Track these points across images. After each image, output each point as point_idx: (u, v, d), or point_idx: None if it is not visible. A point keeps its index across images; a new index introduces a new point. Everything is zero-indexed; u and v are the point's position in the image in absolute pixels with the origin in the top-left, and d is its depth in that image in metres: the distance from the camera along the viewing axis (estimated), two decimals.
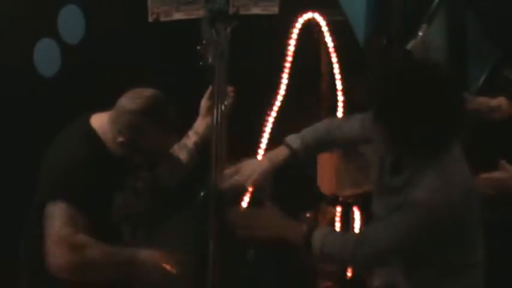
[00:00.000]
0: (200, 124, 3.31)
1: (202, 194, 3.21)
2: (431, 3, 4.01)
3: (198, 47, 3.23)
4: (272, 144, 4.18)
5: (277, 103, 4.21)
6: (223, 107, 3.20)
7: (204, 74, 3.25)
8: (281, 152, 3.17)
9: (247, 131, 4.18)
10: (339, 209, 4.26)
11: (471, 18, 4.21)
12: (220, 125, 3.18)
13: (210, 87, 3.28)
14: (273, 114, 4.22)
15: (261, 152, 4.18)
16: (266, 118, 4.20)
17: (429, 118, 2.57)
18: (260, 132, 4.20)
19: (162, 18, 3.85)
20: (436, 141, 2.62)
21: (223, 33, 3.29)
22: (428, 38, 3.96)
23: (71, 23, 3.90)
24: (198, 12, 3.81)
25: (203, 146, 3.27)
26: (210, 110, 3.24)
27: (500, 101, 3.62)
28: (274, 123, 4.21)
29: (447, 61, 4.46)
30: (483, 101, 3.55)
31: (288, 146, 3.15)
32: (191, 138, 3.30)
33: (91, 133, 2.96)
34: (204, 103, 3.31)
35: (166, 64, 3.94)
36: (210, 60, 3.22)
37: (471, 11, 4.18)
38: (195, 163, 3.31)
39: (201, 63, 3.22)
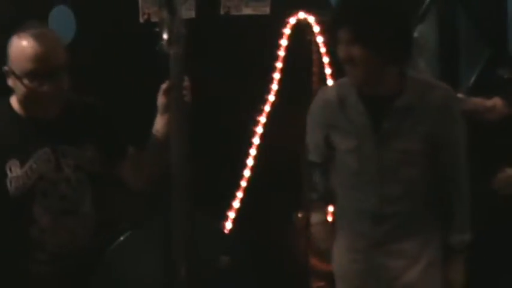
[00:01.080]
0: (159, 122, 2.96)
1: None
2: (422, 3, 4.03)
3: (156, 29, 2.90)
4: (263, 143, 4.21)
5: (269, 103, 4.21)
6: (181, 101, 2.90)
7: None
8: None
9: (238, 131, 4.17)
10: (331, 208, 4.25)
11: (462, 18, 4.22)
12: (181, 121, 2.87)
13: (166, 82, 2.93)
14: (265, 114, 4.21)
15: (252, 152, 4.18)
16: (258, 118, 4.20)
17: (391, 20, 2.78)
18: (252, 132, 4.20)
19: (153, 19, 3.84)
20: (399, 45, 2.78)
21: (178, 13, 2.89)
22: (421, 37, 3.98)
23: (62, 23, 3.88)
24: (191, 13, 3.82)
25: (166, 145, 2.93)
26: (167, 107, 2.90)
27: (495, 101, 3.63)
28: (265, 123, 4.20)
29: (438, 60, 4.48)
30: (478, 101, 3.56)
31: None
32: (152, 137, 2.99)
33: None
34: (160, 99, 2.94)
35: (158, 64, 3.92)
36: (165, 46, 2.86)
37: (462, 10, 4.19)
38: (160, 164, 2.99)
39: (157, 47, 2.87)
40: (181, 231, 2.86)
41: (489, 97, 3.54)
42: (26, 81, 2.72)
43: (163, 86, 2.90)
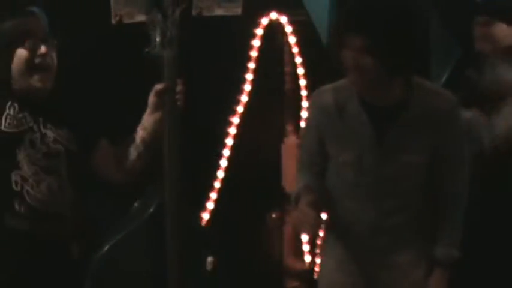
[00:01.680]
0: (147, 119, 3.08)
1: (156, 202, 3.08)
2: None
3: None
4: (236, 144, 4.20)
5: (241, 104, 4.21)
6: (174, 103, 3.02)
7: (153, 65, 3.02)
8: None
9: (211, 132, 4.17)
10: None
11: (434, 18, 4.24)
12: (173, 124, 3.01)
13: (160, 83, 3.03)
14: (237, 115, 4.21)
15: (225, 152, 4.18)
16: (230, 119, 4.19)
17: (410, 34, 2.64)
18: (225, 133, 4.20)
19: (126, 20, 3.83)
20: (414, 57, 2.69)
21: (172, 17, 2.97)
22: None
23: None
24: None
25: (152, 143, 3.07)
26: (158, 106, 3.03)
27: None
28: (238, 124, 4.20)
29: None
30: None
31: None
32: (139, 133, 3.10)
33: None
34: (152, 98, 3.05)
35: (130, 65, 3.90)
36: (157, 48, 2.97)
37: (434, 10, 4.21)
38: (143, 162, 3.10)
39: (146, 50, 2.97)
40: (175, 231, 2.96)
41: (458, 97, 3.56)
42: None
43: (157, 86, 3.00)
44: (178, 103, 3.05)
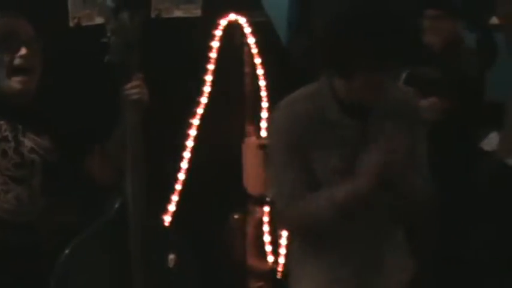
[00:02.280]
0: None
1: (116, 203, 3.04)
2: None
3: (103, 40, 2.95)
4: (197, 146, 4.20)
5: (202, 105, 4.21)
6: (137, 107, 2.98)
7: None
8: None
9: (171, 134, 4.16)
10: (267, 208, 4.27)
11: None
12: (135, 127, 2.98)
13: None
14: (198, 116, 4.21)
15: (186, 154, 4.17)
16: (191, 120, 4.19)
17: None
18: (185, 135, 4.19)
19: (84, 23, 3.81)
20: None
21: (129, 22, 2.94)
22: None
23: None
24: None
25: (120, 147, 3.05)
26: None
27: (431, 101, 3.67)
28: (198, 125, 4.20)
29: None
30: None
31: None
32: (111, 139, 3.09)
33: None
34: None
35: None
36: (116, 54, 2.94)
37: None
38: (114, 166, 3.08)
39: (106, 58, 2.94)
40: (138, 231, 2.95)
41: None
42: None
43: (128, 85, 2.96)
44: (140, 97, 3.00)
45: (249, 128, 4.37)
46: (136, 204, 2.99)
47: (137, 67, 3.00)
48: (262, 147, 4.15)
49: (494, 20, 4.49)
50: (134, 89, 2.97)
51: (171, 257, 3.07)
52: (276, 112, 2.72)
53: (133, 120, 2.98)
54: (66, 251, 2.93)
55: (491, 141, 4.18)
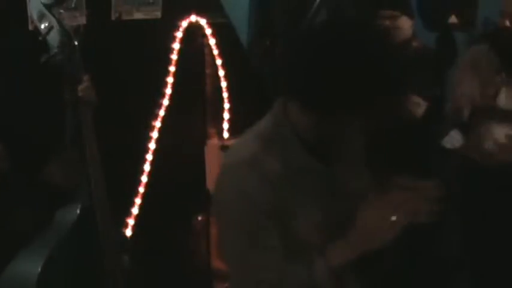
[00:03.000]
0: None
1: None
2: (313, 3, 4.07)
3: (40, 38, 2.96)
4: (159, 148, 4.19)
5: (163, 107, 4.20)
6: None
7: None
8: None
9: (133, 136, 4.14)
10: None
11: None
12: (87, 127, 2.98)
13: None
14: (159, 118, 4.20)
15: (148, 157, 4.16)
16: (152, 122, 4.17)
17: None
18: (147, 137, 4.17)
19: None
20: None
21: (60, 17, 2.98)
22: None
23: None
24: (82, 19, 3.76)
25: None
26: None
27: None
28: (160, 127, 4.19)
29: None
30: None
31: None
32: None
33: None
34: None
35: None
36: (55, 52, 2.94)
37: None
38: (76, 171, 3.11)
39: (42, 59, 2.93)
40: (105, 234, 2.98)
41: None
42: None
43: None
44: (88, 97, 3.00)
45: (211, 130, 4.38)
46: (99, 206, 3.01)
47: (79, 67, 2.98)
48: (224, 148, 4.16)
49: (453, 19, 4.53)
50: (87, 89, 2.96)
51: (126, 258, 3.09)
52: (230, 175, 2.16)
53: (88, 119, 2.98)
54: (38, 270, 2.87)
55: (452, 139, 4.21)
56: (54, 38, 2.98)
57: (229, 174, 2.17)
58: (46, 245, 2.94)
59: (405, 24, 4.20)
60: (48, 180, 3.04)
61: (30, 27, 3.81)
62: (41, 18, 3.01)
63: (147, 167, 4.15)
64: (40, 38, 2.93)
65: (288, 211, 2.14)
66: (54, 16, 2.98)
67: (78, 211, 3.03)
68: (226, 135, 4.34)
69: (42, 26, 3.05)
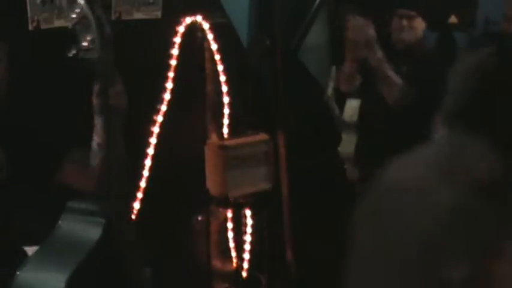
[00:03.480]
0: (97, 123, 3.00)
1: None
2: (312, 4, 4.09)
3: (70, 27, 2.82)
4: (160, 146, 4.18)
5: (163, 107, 4.19)
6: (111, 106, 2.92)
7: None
8: None
9: (134, 135, 4.14)
10: (230, 210, 4.27)
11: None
12: (114, 124, 2.93)
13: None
14: (159, 117, 4.19)
15: (150, 151, 4.15)
16: (153, 122, 4.17)
17: None
18: (147, 136, 4.17)
19: (43, 26, 3.78)
20: None
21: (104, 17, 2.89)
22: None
23: None
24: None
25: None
26: (102, 108, 2.92)
27: None
28: (160, 126, 4.18)
29: (327, 61, 4.56)
30: None
31: None
32: (94, 139, 3.03)
33: None
34: (94, 101, 2.97)
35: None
36: (89, 49, 2.82)
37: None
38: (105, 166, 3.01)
39: (73, 52, 2.81)
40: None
41: None
42: None
43: (96, 88, 2.89)
44: (120, 103, 2.97)
45: (211, 130, 4.37)
46: (123, 218, 3.01)
47: (112, 62, 2.93)
48: (224, 147, 4.15)
49: (453, 19, 4.53)
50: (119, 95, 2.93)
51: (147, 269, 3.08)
52: None
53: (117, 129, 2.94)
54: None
55: None
56: (84, 29, 2.87)
57: None
58: (70, 261, 2.86)
59: (419, 26, 4.22)
60: (60, 182, 3.02)
61: (30, 27, 3.83)
62: (71, 4, 2.87)
63: (148, 162, 4.14)
64: (69, 27, 2.81)
65: None
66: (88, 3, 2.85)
67: (102, 226, 2.95)
68: (226, 135, 4.33)
69: (73, 16, 2.90)
